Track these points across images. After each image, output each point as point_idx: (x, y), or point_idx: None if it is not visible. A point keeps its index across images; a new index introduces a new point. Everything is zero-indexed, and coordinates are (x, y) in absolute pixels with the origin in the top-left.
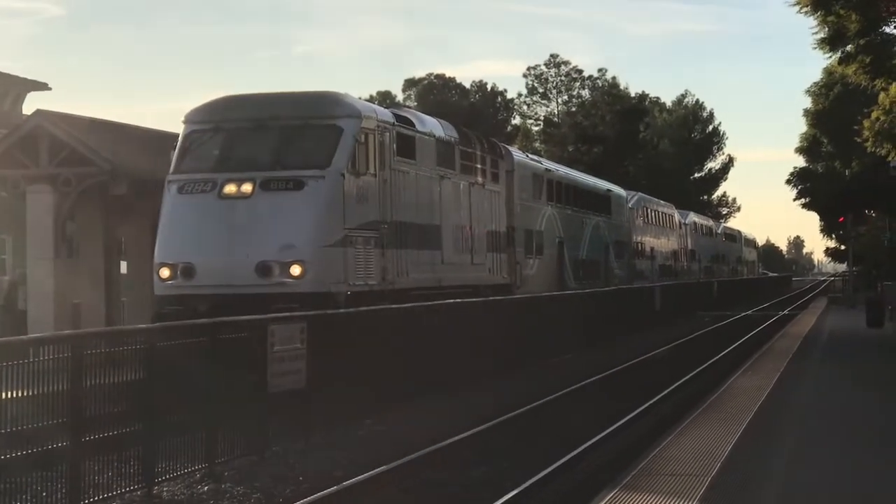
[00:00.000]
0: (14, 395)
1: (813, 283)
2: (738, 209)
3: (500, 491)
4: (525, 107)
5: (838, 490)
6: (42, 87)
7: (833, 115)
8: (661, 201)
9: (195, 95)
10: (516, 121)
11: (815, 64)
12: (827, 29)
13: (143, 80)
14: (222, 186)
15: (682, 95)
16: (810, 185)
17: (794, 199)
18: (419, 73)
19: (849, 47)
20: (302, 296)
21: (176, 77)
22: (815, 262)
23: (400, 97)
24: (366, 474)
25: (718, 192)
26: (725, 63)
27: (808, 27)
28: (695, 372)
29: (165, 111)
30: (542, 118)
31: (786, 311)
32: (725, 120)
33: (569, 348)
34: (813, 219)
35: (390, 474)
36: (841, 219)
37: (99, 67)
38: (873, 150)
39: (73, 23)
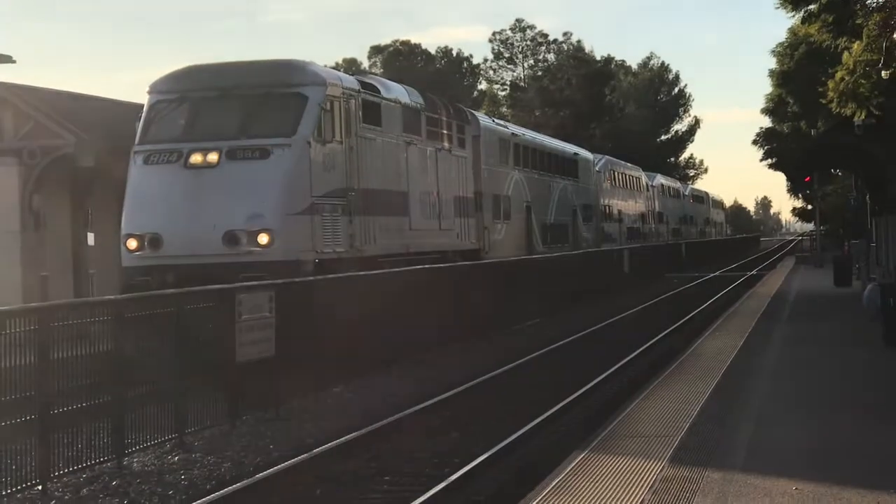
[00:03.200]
0: None
1: (781, 242)
2: (706, 171)
3: (468, 457)
4: (491, 72)
5: (804, 447)
6: (6, 59)
7: (798, 76)
8: (629, 164)
9: (160, 66)
10: (482, 86)
11: (780, 24)
12: None
13: (107, 50)
14: (188, 156)
15: (648, 58)
16: (776, 146)
17: (761, 160)
18: (384, 41)
19: (812, 6)
20: (270, 264)
21: (141, 47)
22: (783, 223)
23: (366, 65)
24: (335, 441)
25: (685, 155)
26: (690, 25)
27: None
28: (663, 334)
29: (130, 82)
30: (508, 83)
31: (754, 272)
32: (691, 82)
33: (538, 313)
34: (780, 179)
35: (359, 442)
36: (807, 178)
37: (63, 39)
38: (838, 109)
39: None
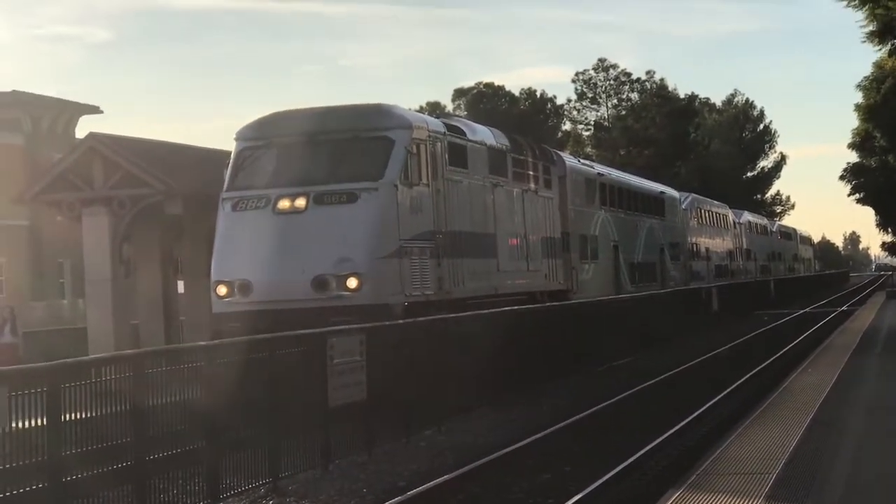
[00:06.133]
0: (77, 416)
1: (871, 277)
2: (793, 206)
3: (564, 496)
4: (575, 112)
5: None
6: (94, 110)
7: (885, 110)
8: (715, 201)
9: (245, 113)
10: (567, 126)
11: (865, 58)
12: (875, 22)
13: (192, 99)
14: (276, 202)
15: (732, 95)
16: (864, 180)
17: (849, 195)
18: (467, 83)
19: None
20: (359, 308)
21: (225, 95)
22: (872, 257)
23: (450, 107)
24: (429, 483)
25: (772, 191)
26: (773, 61)
27: (855, 21)
28: (755, 371)
29: (216, 129)
30: (592, 123)
31: (844, 308)
32: (776, 118)
33: (628, 352)
34: (868, 214)
35: (454, 483)
36: None
37: (149, 89)
38: None
39: (121, 45)
